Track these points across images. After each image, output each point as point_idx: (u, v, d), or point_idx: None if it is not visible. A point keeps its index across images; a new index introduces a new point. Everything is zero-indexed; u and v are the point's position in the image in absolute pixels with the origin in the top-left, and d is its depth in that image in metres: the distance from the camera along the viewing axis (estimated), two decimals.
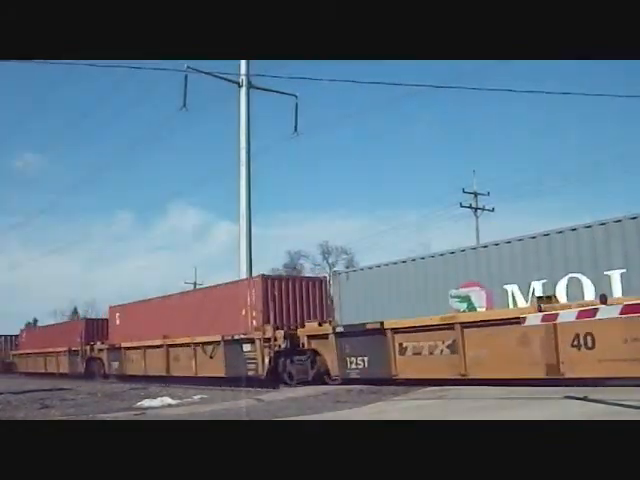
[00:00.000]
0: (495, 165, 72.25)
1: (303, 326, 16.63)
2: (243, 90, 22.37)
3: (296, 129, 23.46)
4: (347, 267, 53.76)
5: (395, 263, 15.67)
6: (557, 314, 7.97)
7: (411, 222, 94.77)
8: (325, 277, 20.37)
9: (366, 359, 14.25)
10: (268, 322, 17.13)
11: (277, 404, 11.29)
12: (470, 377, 12.00)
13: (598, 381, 10.26)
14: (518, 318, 9.25)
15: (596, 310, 6.98)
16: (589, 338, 10.28)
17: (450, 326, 12.37)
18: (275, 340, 16.47)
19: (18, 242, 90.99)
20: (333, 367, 15.06)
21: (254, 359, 17.25)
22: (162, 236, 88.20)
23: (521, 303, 12.50)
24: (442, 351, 12.63)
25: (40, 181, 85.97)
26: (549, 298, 11.28)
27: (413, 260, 15.34)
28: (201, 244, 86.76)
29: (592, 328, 10.02)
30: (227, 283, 20.46)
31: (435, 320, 12.69)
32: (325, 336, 15.33)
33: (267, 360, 16.71)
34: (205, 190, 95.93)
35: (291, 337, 16.32)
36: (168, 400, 13.11)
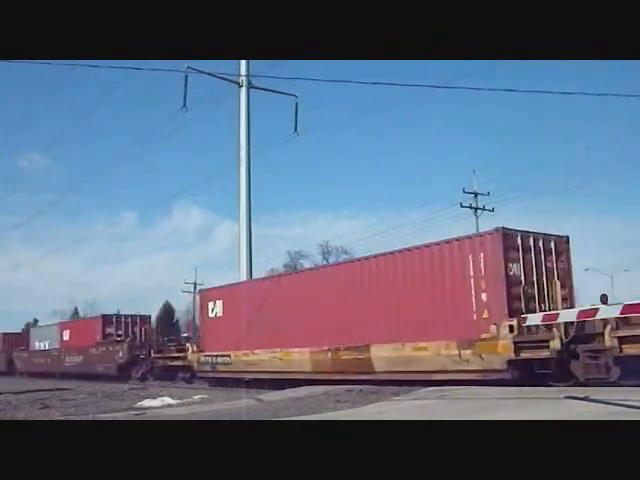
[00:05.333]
0: (495, 165, 72.26)
1: None
2: (243, 90, 22.37)
3: (296, 129, 23.47)
4: None
5: None
6: (557, 314, 7.97)
7: (412, 222, 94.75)
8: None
9: None
10: None
11: (277, 404, 11.28)
12: None
13: (598, 381, 10.27)
14: None
15: (596, 310, 6.98)
16: None
17: None
18: None
19: (21, 242, 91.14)
20: None
21: None
22: (166, 236, 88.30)
23: None
24: None
25: (44, 180, 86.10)
26: None
27: None
28: (205, 244, 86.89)
29: None
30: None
31: None
32: None
33: None
34: (210, 189, 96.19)
35: None
36: (168, 400, 13.12)
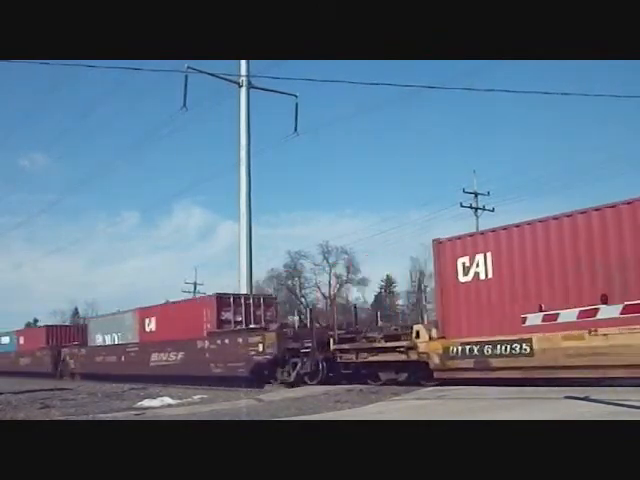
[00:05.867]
0: (495, 165, 72.36)
1: None
2: (243, 90, 22.39)
3: (296, 129, 23.51)
4: (347, 268, 53.57)
5: None
6: (557, 314, 7.95)
7: (413, 222, 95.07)
8: None
9: None
10: None
11: (277, 404, 11.29)
12: None
13: (598, 381, 10.25)
14: None
15: (597, 310, 6.98)
16: None
17: None
18: None
19: (22, 241, 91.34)
20: None
21: None
22: (166, 236, 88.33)
23: None
24: None
25: (45, 180, 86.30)
26: None
27: None
28: (205, 244, 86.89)
29: None
30: None
31: None
32: None
33: None
34: (210, 189, 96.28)
35: None
36: (168, 400, 13.12)
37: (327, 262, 51.87)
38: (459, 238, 13.16)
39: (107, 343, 25.74)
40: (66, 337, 30.90)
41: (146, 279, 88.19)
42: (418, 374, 13.47)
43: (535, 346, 10.97)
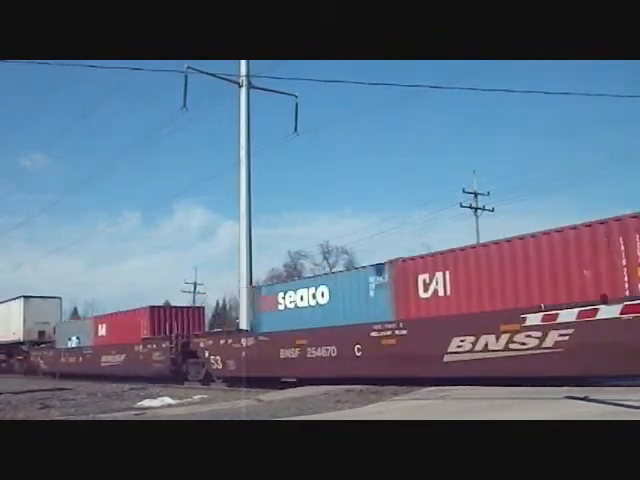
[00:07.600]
0: (495, 165, 72.35)
1: None
2: (243, 90, 22.35)
3: (296, 129, 23.43)
4: (347, 268, 53.49)
5: None
6: (557, 314, 7.96)
7: (413, 222, 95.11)
8: None
9: None
10: None
11: (277, 404, 11.28)
12: None
13: (598, 380, 10.25)
14: None
15: (596, 310, 6.98)
16: None
17: None
18: None
19: (22, 241, 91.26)
20: None
21: None
22: (167, 236, 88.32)
23: None
24: None
25: (45, 180, 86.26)
26: None
27: None
28: (206, 244, 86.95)
29: None
30: None
31: None
32: None
33: None
34: (212, 189, 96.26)
35: None
36: (168, 400, 13.12)
37: (327, 262, 51.87)
38: None
39: None
40: None
41: (146, 279, 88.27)
42: None
43: None
